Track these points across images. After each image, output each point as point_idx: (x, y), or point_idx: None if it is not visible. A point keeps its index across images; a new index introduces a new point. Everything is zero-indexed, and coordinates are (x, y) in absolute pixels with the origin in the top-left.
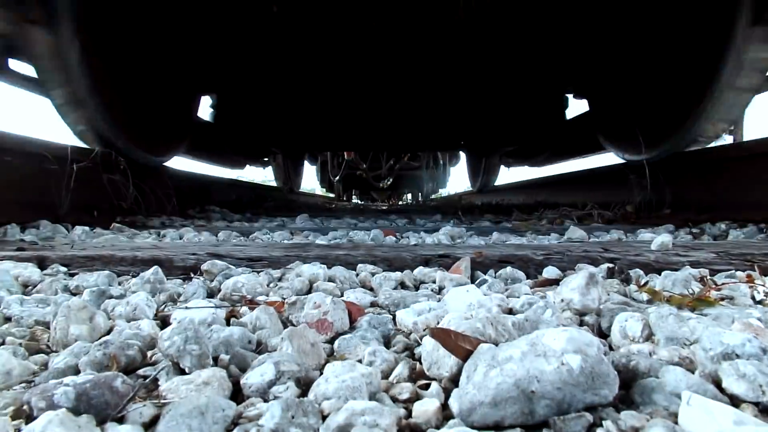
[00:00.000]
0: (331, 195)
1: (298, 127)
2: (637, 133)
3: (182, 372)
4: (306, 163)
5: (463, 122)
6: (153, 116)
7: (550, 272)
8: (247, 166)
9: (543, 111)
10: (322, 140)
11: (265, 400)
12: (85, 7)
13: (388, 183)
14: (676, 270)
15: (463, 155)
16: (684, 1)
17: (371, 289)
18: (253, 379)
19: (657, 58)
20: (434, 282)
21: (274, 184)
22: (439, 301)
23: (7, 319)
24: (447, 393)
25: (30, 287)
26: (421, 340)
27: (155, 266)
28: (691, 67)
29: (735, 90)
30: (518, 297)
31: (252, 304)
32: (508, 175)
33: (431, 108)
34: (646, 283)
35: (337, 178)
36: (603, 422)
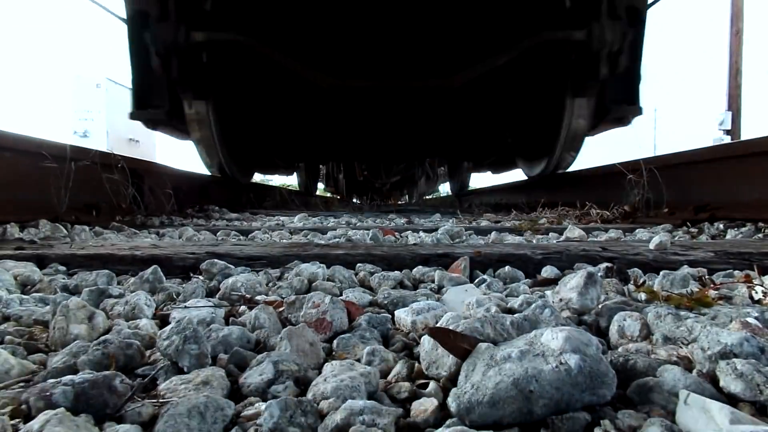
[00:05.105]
0: (330, 196)
1: (317, 145)
2: None
3: (181, 371)
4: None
5: (442, 143)
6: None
7: (548, 272)
8: (277, 174)
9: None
10: (334, 154)
11: (264, 400)
12: None
13: (387, 187)
14: (675, 269)
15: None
16: None
17: (370, 289)
18: (251, 378)
19: None
20: (433, 281)
21: (271, 183)
22: (438, 300)
23: (6, 318)
24: (445, 392)
25: (29, 286)
26: (419, 339)
27: (154, 265)
28: None
29: None
30: (517, 296)
31: (251, 303)
32: (507, 175)
33: (417, 133)
34: (645, 282)
35: (342, 183)
36: (601, 421)
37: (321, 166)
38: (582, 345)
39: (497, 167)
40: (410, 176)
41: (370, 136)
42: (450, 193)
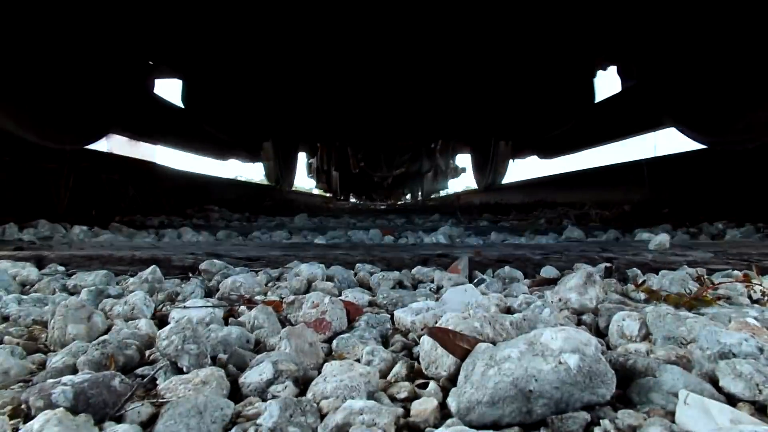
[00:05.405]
0: (328, 195)
1: (289, 113)
2: None
3: (180, 371)
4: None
5: (474, 106)
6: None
7: (548, 272)
8: (232, 159)
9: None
10: (317, 129)
11: (264, 400)
12: None
13: (388, 181)
14: (674, 269)
15: (466, 158)
16: None
17: (369, 289)
18: (251, 378)
19: None
20: (432, 281)
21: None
22: (437, 300)
23: (5, 319)
24: (445, 392)
25: (28, 286)
26: (419, 339)
27: (153, 266)
28: None
29: None
30: (516, 296)
31: (250, 303)
32: (511, 175)
33: (432, 88)
34: (644, 282)
35: (336, 177)
36: (601, 421)
37: (312, 159)
38: (581, 345)
39: (562, 147)
40: (415, 170)
41: (363, 92)
42: (452, 191)
